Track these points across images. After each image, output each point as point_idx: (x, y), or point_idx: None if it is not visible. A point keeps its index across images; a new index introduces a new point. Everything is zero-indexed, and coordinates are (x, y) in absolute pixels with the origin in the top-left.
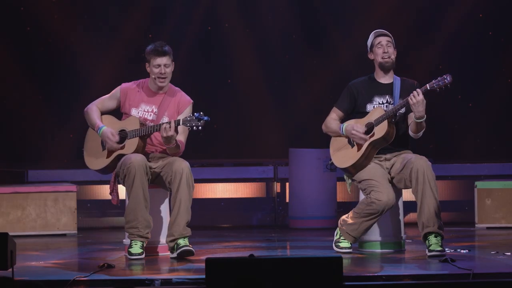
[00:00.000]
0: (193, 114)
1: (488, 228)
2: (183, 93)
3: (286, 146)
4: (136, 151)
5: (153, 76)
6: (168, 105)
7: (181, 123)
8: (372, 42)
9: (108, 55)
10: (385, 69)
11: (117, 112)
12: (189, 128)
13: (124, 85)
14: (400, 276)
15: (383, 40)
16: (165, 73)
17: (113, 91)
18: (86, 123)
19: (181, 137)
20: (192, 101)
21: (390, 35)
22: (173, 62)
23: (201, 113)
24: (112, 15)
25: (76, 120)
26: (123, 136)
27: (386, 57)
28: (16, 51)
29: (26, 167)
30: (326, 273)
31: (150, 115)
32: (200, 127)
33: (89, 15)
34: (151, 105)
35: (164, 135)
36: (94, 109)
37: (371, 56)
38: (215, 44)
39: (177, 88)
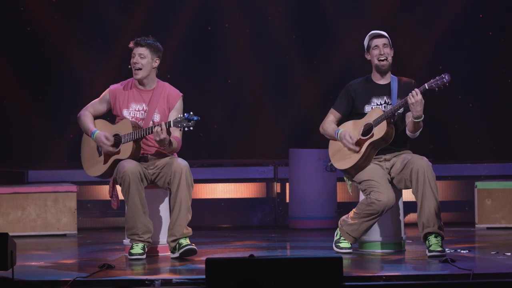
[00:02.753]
0: (183, 115)
1: (488, 228)
2: (171, 87)
3: (286, 147)
4: (132, 155)
5: (130, 67)
6: (157, 101)
7: (172, 125)
8: (368, 44)
9: (107, 55)
10: (381, 72)
11: (109, 114)
12: (180, 129)
13: (112, 86)
14: (400, 276)
15: (379, 42)
16: (138, 63)
17: (102, 94)
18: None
19: (176, 133)
20: (181, 94)
21: (387, 35)
22: (157, 59)
23: (191, 113)
24: (112, 16)
25: (75, 121)
26: (117, 140)
27: (383, 59)
28: (15, 51)
29: (26, 167)
30: (326, 273)
31: (141, 113)
32: (191, 128)
33: (89, 15)
34: (141, 104)
35: (157, 138)
36: (86, 114)
37: (368, 57)
38: (215, 44)
39: (165, 83)
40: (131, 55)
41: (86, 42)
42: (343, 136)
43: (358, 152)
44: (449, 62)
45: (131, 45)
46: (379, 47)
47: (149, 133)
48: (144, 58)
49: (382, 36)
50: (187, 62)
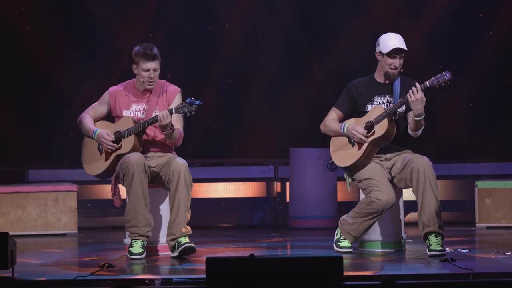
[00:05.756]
0: (184, 101)
1: (488, 227)
2: (169, 83)
3: (286, 146)
4: (133, 149)
5: (142, 80)
6: (157, 99)
7: (174, 112)
8: (386, 47)
9: (107, 55)
10: (390, 78)
11: (109, 118)
12: (182, 115)
13: (111, 88)
14: (400, 276)
15: (398, 53)
16: (154, 77)
17: (102, 97)
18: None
19: (178, 125)
20: (179, 89)
21: (405, 47)
22: (160, 63)
23: (192, 98)
24: (112, 14)
25: (76, 120)
26: (119, 137)
27: (393, 68)
28: (16, 51)
29: (26, 167)
30: (326, 273)
31: (142, 113)
32: (193, 112)
33: (89, 15)
34: (142, 104)
35: (161, 123)
36: (86, 117)
37: (378, 56)
38: (215, 44)
39: (163, 80)
40: (137, 64)
41: (84, 42)
42: (351, 129)
43: (359, 150)
44: (449, 62)
45: (140, 58)
46: (397, 58)
47: (150, 123)
48: (157, 71)
49: (402, 49)
50: (187, 61)
